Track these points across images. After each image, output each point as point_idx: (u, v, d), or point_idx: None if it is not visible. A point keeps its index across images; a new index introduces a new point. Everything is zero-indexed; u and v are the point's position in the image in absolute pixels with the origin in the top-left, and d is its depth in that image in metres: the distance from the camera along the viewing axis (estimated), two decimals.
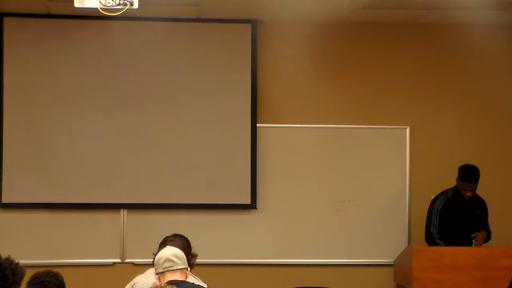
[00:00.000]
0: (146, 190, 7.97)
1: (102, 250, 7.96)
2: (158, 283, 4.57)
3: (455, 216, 7.57)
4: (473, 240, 7.54)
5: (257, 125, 8.10)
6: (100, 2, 5.19)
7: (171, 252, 4.68)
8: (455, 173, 7.60)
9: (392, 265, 7.91)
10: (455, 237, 7.53)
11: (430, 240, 7.59)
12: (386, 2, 7.51)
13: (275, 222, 8.14)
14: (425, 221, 7.71)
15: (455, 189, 7.65)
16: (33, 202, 7.86)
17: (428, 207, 7.72)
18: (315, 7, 7.52)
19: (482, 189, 7.70)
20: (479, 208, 7.71)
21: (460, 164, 7.62)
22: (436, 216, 7.59)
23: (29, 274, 3.98)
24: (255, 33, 8.07)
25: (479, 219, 7.68)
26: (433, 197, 7.79)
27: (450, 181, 7.68)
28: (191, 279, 4.94)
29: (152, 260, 4.90)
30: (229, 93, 8.08)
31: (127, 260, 7.98)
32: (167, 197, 8.00)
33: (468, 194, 7.57)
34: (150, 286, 4.82)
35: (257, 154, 8.09)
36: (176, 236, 5.34)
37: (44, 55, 7.89)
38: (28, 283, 4.20)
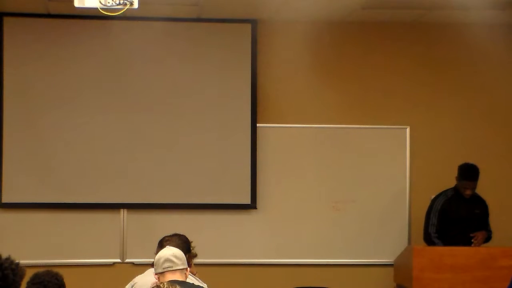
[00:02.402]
0: (146, 190, 7.97)
1: (102, 250, 7.96)
2: (158, 282, 4.57)
3: (454, 216, 7.57)
4: (472, 240, 7.53)
5: (257, 125, 8.10)
6: (100, 2, 5.19)
7: (171, 252, 4.68)
8: (455, 173, 7.60)
9: (392, 265, 7.91)
10: (455, 237, 7.52)
11: (428, 239, 7.58)
12: (386, 2, 7.51)
13: (275, 222, 8.14)
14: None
15: (455, 188, 7.65)
16: (33, 202, 7.86)
17: (428, 207, 7.73)
18: (315, 7, 7.52)
19: (482, 189, 7.70)
20: (479, 208, 7.69)
21: (460, 164, 7.62)
22: (435, 215, 7.58)
23: (29, 274, 3.98)
24: (255, 33, 8.07)
25: (479, 218, 7.67)
26: (433, 196, 7.79)
27: (450, 181, 7.68)
28: (191, 279, 4.94)
29: (153, 260, 4.90)
30: (229, 93, 8.08)
31: (127, 260, 7.98)
32: (167, 197, 7.99)
33: (468, 192, 7.57)
34: (150, 286, 4.82)
35: (257, 154, 8.09)
36: (173, 235, 5.34)
37: (44, 55, 7.89)
38: (28, 283, 4.20)
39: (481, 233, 7.57)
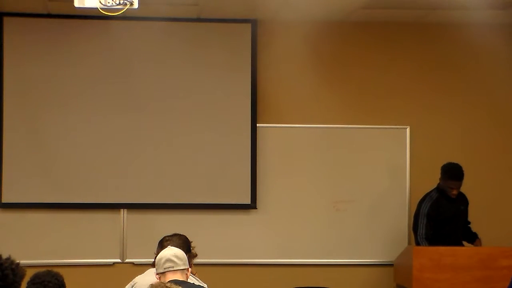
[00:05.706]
0: (146, 190, 7.97)
1: (102, 250, 7.96)
2: (158, 282, 4.57)
3: (443, 217, 7.51)
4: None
5: (257, 125, 8.11)
6: (100, 2, 5.20)
7: (172, 252, 4.69)
8: None
9: (392, 265, 7.91)
10: (447, 236, 7.50)
11: (417, 244, 7.55)
12: (386, 2, 7.51)
13: (275, 222, 8.14)
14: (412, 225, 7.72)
15: (438, 189, 7.58)
16: (33, 202, 7.86)
17: (415, 211, 7.70)
18: (315, 7, 7.52)
19: (483, 189, 7.71)
20: (463, 203, 7.66)
21: (460, 164, 7.61)
22: (423, 219, 7.52)
23: (29, 274, 3.97)
24: (255, 33, 8.07)
25: (465, 214, 7.67)
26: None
27: None
28: (191, 279, 4.94)
29: (153, 260, 4.91)
30: (229, 93, 8.09)
31: (127, 260, 7.98)
32: (167, 197, 7.99)
33: (454, 192, 7.49)
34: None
35: (257, 154, 8.09)
36: (173, 235, 5.34)
37: (44, 55, 7.89)
38: (28, 283, 4.19)
39: (479, 241, 7.63)
